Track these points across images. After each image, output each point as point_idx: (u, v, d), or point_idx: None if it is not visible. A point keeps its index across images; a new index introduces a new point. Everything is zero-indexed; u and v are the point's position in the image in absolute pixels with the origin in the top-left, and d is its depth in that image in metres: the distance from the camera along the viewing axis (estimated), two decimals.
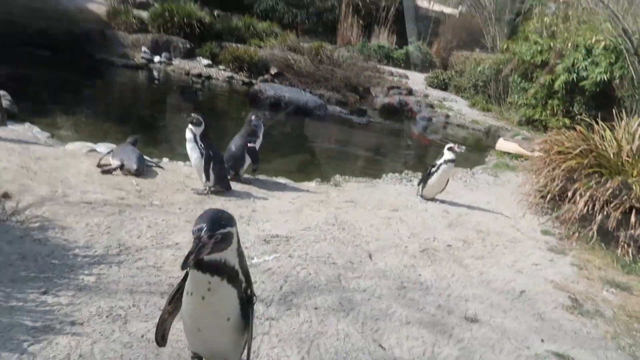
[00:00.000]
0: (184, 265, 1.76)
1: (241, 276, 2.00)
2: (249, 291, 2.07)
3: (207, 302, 1.94)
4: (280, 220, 4.53)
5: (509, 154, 9.72)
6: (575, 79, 12.45)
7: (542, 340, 3.34)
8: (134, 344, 2.49)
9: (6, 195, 3.80)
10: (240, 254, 1.99)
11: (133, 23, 13.89)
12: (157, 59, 13.24)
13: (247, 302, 2.06)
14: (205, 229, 1.76)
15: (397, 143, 11.35)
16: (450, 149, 6.05)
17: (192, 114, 4.97)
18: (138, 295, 2.86)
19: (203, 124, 5.01)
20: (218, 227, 1.79)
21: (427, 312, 3.43)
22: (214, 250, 1.82)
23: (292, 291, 3.32)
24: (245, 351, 2.16)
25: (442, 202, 6.15)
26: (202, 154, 4.90)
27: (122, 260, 3.22)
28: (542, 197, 6.26)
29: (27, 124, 6.18)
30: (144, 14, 14.63)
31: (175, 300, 2.17)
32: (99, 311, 2.65)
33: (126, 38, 13.52)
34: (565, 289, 4.19)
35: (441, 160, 6.01)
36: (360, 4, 19.91)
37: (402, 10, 20.98)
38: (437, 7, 24.86)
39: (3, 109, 6.03)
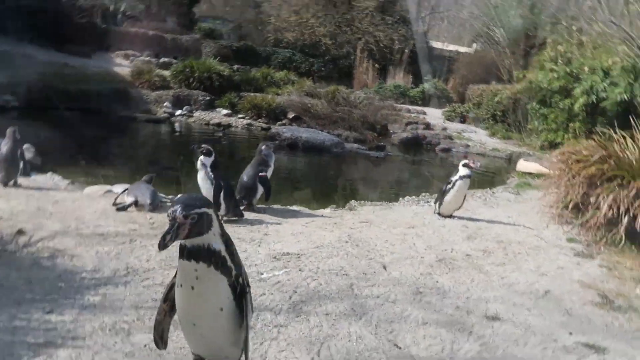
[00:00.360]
0: (160, 246, 1.75)
1: (230, 263, 1.93)
2: (240, 279, 1.99)
3: (197, 292, 1.89)
4: (292, 241, 4.48)
5: (530, 174, 9.51)
6: (594, 100, 12.33)
7: (570, 333, 3.13)
8: (136, 353, 2.44)
9: (20, 232, 3.89)
10: (227, 241, 1.95)
11: (156, 81, 14.58)
12: (178, 112, 13.73)
13: (240, 291, 1.98)
14: (179, 209, 1.75)
15: (415, 172, 11.27)
16: (465, 164, 5.97)
17: (202, 145, 5.09)
18: (143, 310, 2.83)
19: (213, 155, 5.11)
20: (192, 207, 1.78)
21: (445, 313, 3.28)
22: (192, 232, 1.79)
23: (302, 300, 3.23)
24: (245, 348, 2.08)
25: (460, 218, 5.99)
26: (212, 184, 4.97)
27: (129, 280, 3.22)
28: (565, 206, 6.05)
29: (49, 174, 6.39)
30: (166, 73, 15.35)
31: (169, 298, 2.12)
32: (102, 326, 2.63)
33: (149, 95, 14.14)
34: (594, 288, 3.96)
35: (456, 177, 5.92)
36: (374, 48, 20.47)
37: (416, 51, 21.46)
38: (451, 47, 25.33)
39: (26, 160, 6.27)
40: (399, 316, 3.18)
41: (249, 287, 2.09)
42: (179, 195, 1.97)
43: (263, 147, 5.71)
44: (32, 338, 2.43)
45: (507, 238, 5.34)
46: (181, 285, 1.92)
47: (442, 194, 5.97)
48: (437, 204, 6.07)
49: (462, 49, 23.72)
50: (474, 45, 23.30)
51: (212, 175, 4.98)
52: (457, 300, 3.55)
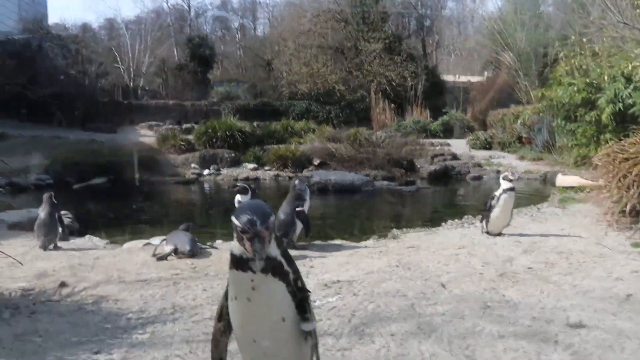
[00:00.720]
0: (258, 266, 1.59)
1: (286, 267, 1.74)
2: (299, 282, 1.79)
3: (255, 303, 1.69)
4: (339, 270, 4.26)
5: (571, 188, 9.12)
6: (621, 108, 12.00)
7: None
8: None
9: (63, 284, 3.80)
10: (280, 243, 1.77)
11: (181, 145, 14.91)
12: (205, 172, 13.90)
13: (301, 297, 1.78)
14: (259, 222, 1.57)
15: (451, 201, 10.97)
16: (505, 177, 5.73)
17: (238, 183, 5.00)
18: (195, 343, 2.63)
19: (249, 192, 5.01)
20: (268, 216, 1.61)
21: (521, 325, 2.97)
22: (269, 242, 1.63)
23: (363, 322, 2.98)
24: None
25: (511, 235, 5.67)
26: None
27: (177, 317, 3.04)
28: (622, 211, 5.68)
29: (87, 236, 6.39)
30: (190, 137, 15.70)
31: (224, 316, 1.91)
32: None
33: (176, 159, 14.44)
34: None
35: (500, 191, 5.66)
36: (387, 88, 20.66)
37: (430, 87, 21.59)
38: (463, 78, 25.48)
39: (65, 225, 6.29)
40: (471, 331, 2.89)
41: (309, 292, 1.86)
42: (240, 204, 1.83)
43: (297, 182, 5.58)
44: None
45: (567, 249, 5.00)
46: (235, 298, 1.73)
47: (488, 210, 5.69)
48: (484, 222, 5.78)
49: (474, 79, 23.79)
50: (485, 73, 23.37)
51: None
52: (531, 311, 3.24)
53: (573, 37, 15.81)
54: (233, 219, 1.60)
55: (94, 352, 2.54)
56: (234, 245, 1.67)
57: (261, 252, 1.57)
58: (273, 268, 1.68)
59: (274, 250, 1.69)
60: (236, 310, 1.76)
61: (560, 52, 16.93)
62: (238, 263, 1.66)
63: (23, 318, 2.96)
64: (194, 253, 5.00)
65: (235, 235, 1.64)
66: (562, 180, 9.46)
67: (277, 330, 1.76)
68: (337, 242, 5.72)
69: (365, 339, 2.76)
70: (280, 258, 1.72)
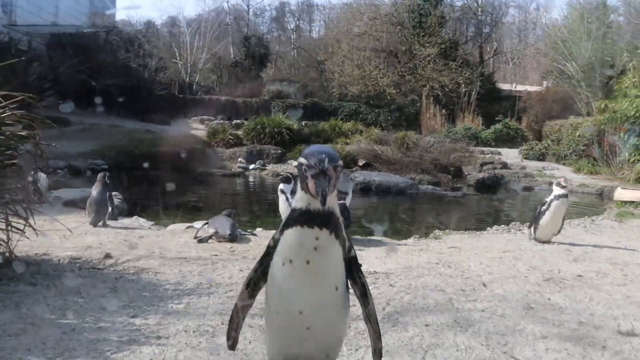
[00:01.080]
0: (323, 201, 1.43)
1: (344, 232, 1.61)
2: (352, 251, 1.68)
3: (313, 266, 1.54)
4: (377, 263, 4.19)
5: (631, 202, 8.61)
6: None
7: None
8: (222, 352, 2.25)
9: (108, 256, 3.93)
10: (335, 202, 1.63)
11: (230, 139, 15.21)
12: (252, 166, 14.11)
13: (354, 264, 1.67)
14: (327, 160, 1.45)
15: (498, 209, 10.61)
16: (558, 184, 5.47)
17: (281, 173, 5.03)
18: (227, 316, 2.60)
19: (292, 182, 5.02)
20: (337, 158, 1.49)
21: (567, 328, 2.81)
22: (336, 186, 1.53)
23: (397, 311, 2.91)
24: (371, 342, 1.76)
25: (561, 243, 5.40)
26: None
27: (212, 292, 3.08)
28: None
29: (134, 217, 6.62)
30: (239, 132, 16.00)
31: (252, 283, 1.77)
32: (186, 328, 2.48)
33: (224, 152, 14.73)
34: None
35: (551, 197, 5.41)
36: (439, 93, 20.28)
37: (484, 93, 21.03)
38: (520, 87, 24.66)
39: (114, 205, 6.54)
40: (511, 329, 2.76)
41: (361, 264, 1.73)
42: (310, 147, 1.58)
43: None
44: (116, 337, 2.31)
45: (622, 260, 4.72)
46: (290, 262, 1.56)
47: (537, 216, 5.44)
48: (532, 228, 5.54)
49: (532, 88, 22.95)
50: (545, 82, 22.50)
51: (292, 201, 4.85)
52: (577, 316, 3.06)
53: None
54: (300, 158, 1.51)
55: (131, 316, 2.60)
56: (298, 198, 1.56)
57: (327, 190, 1.43)
58: (335, 227, 1.55)
59: (335, 206, 1.59)
60: (286, 277, 1.59)
61: (629, 63, 16.09)
62: (303, 217, 1.53)
63: (67, 280, 3.08)
64: (233, 237, 5.06)
65: (299, 181, 1.53)
66: (621, 194, 8.96)
67: (330, 301, 1.62)
68: (377, 238, 5.64)
69: (398, 326, 2.68)
70: (339, 217, 1.60)
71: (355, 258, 1.68)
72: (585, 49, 18.11)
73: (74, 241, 4.55)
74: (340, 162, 1.49)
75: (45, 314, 2.54)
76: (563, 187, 5.43)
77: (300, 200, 1.55)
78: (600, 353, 2.49)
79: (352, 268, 1.67)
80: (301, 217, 1.53)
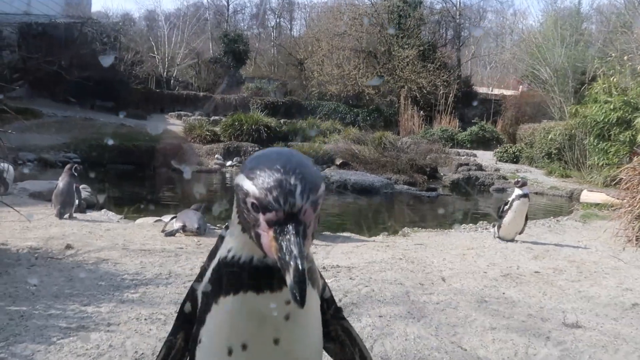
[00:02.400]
0: (301, 297, 0.79)
1: (315, 264, 1.14)
2: (327, 289, 1.20)
3: (287, 343, 0.98)
4: (342, 257, 4.23)
5: (596, 204, 8.85)
6: None
7: None
8: None
9: (69, 247, 3.89)
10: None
11: (207, 135, 15.09)
12: (229, 163, 14.04)
13: (332, 307, 1.18)
14: (300, 189, 0.82)
15: (470, 209, 10.78)
16: (517, 183, 5.62)
17: None
18: None
19: None
20: (316, 182, 0.85)
21: (516, 320, 2.89)
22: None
23: (353, 302, 2.96)
24: None
25: (524, 242, 5.54)
26: None
27: (171, 282, 3.08)
28: None
29: (103, 210, 6.55)
30: (217, 129, 15.90)
31: None
32: (137, 316, 2.48)
33: (200, 148, 14.61)
34: None
35: (513, 196, 5.54)
36: (417, 95, 20.49)
37: (461, 96, 21.33)
38: (496, 91, 25.08)
39: (82, 197, 6.45)
40: (462, 321, 2.83)
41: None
42: (261, 152, 0.91)
43: None
44: (65, 323, 2.30)
45: (579, 258, 4.86)
46: (244, 348, 0.97)
47: (500, 215, 5.57)
48: (497, 227, 5.67)
49: (508, 92, 23.37)
50: (520, 87, 22.93)
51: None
52: (528, 309, 3.15)
53: (614, 55, 15.39)
54: (243, 180, 0.86)
55: (84, 304, 2.59)
56: (236, 239, 0.95)
57: (302, 259, 0.80)
58: (310, 272, 0.96)
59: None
60: None
61: (599, 70, 16.50)
62: (255, 277, 0.93)
63: (22, 269, 3.04)
64: (201, 231, 5.05)
65: (238, 213, 0.92)
66: (587, 196, 9.20)
67: None
68: (346, 234, 5.69)
69: (352, 317, 2.73)
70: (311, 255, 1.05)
71: (332, 299, 1.19)
72: (559, 54, 18.52)
73: (37, 232, 4.48)
74: (322, 190, 0.86)
75: None
76: (522, 187, 5.56)
77: (240, 244, 0.94)
78: (543, 343, 2.58)
79: (330, 314, 1.16)
80: (252, 278, 0.93)
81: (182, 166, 13.12)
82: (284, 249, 0.81)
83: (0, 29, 14.54)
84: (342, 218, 7.98)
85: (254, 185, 0.83)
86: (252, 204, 0.84)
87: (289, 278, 0.79)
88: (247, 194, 0.85)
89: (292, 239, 0.81)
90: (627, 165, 6.46)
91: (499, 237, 5.61)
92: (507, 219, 5.51)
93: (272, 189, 0.82)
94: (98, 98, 17.64)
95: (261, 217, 0.83)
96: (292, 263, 0.79)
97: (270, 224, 0.83)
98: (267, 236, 0.83)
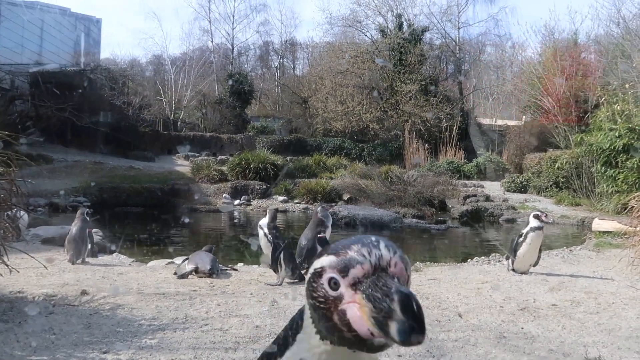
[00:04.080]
0: (419, 322, 0.69)
1: None
2: None
3: None
4: None
5: (609, 232, 8.77)
6: None
7: None
8: None
9: (84, 292, 3.91)
10: None
11: (214, 175, 15.24)
12: (236, 202, 14.11)
13: None
14: (386, 244, 0.76)
15: (481, 241, 10.71)
16: (536, 216, 5.59)
17: (269, 208, 5.09)
18: (200, 350, 2.65)
19: (268, 216, 5.07)
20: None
21: (537, 356, 2.85)
22: None
23: None
24: None
25: (539, 274, 5.48)
26: (271, 244, 4.87)
27: (188, 327, 3.07)
28: None
29: (115, 254, 6.58)
30: (224, 168, 16.07)
31: None
32: None
33: (208, 188, 14.73)
34: None
35: (527, 228, 5.52)
36: (422, 128, 20.68)
37: (465, 128, 21.51)
38: (500, 122, 25.26)
39: (94, 242, 6.50)
40: (482, 358, 2.80)
41: None
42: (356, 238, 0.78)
43: (319, 209, 5.63)
44: None
45: (596, 289, 4.80)
46: None
47: (514, 247, 5.54)
48: (510, 260, 5.63)
49: (511, 122, 23.53)
50: (523, 117, 23.11)
51: (271, 237, 4.89)
52: (548, 344, 3.11)
53: (615, 83, 15.56)
54: (314, 266, 0.78)
55: (103, 352, 2.59)
56: (309, 355, 0.80)
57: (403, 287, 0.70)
58: None
59: None
60: None
61: (601, 98, 16.67)
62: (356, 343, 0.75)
63: (41, 317, 3.06)
64: (214, 272, 5.06)
65: (316, 320, 0.78)
66: (598, 224, 9.13)
67: None
68: None
69: None
70: None
71: None
72: (560, 85, 18.74)
73: (51, 279, 4.50)
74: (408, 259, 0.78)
75: (16, 351, 2.52)
76: (541, 220, 5.54)
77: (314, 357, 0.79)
78: None
79: None
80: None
81: (191, 207, 13.20)
82: (379, 297, 0.67)
83: (13, 79, 14.98)
84: None
85: (329, 255, 0.74)
86: (330, 278, 0.72)
87: (396, 314, 0.66)
88: (321, 271, 0.74)
89: (388, 282, 0.69)
90: (638, 193, 6.45)
91: (513, 270, 5.56)
92: (521, 251, 5.46)
93: (351, 245, 0.73)
94: (107, 142, 17.95)
95: (343, 285, 0.71)
96: (395, 296, 0.67)
97: (355, 286, 0.70)
98: (354, 306, 0.69)
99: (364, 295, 0.70)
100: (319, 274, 0.74)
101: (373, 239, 0.75)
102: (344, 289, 0.72)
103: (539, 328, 3.45)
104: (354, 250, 0.72)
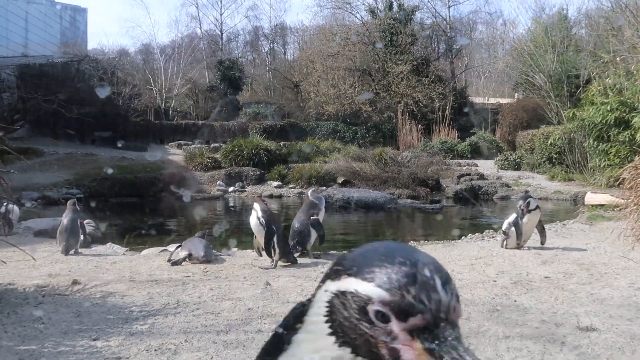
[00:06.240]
0: None
1: None
2: None
3: None
4: None
5: (601, 206, 8.81)
6: None
7: None
8: None
9: (75, 282, 3.88)
10: None
11: (208, 162, 15.17)
12: (231, 189, 14.05)
13: None
14: (442, 282, 0.68)
15: (475, 218, 10.75)
16: (526, 197, 5.59)
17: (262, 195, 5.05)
18: (192, 334, 2.64)
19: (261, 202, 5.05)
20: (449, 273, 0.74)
21: (529, 327, 2.86)
22: None
23: None
24: None
25: (532, 248, 5.50)
26: (264, 228, 4.84)
27: (179, 312, 3.06)
28: None
29: (108, 244, 6.54)
30: (217, 155, 15.99)
31: None
32: (147, 347, 2.46)
33: (202, 176, 14.67)
34: None
35: (523, 207, 5.51)
36: (414, 109, 20.60)
37: (458, 108, 21.45)
38: (492, 100, 25.22)
39: (86, 232, 6.46)
40: (475, 331, 2.80)
41: None
42: (371, 249, 0.71)
43: (310, 192, 5.60)
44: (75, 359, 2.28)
45: (589, 261, 4.82)
46: None
47: (509, 226, 5.53)
48: (504, 238, 5.63)
49: (504, 100, 23.49)
50: (515, 94, 23.07)
51: (264, 220, 4.86)
52: (541, 315, 3.12)
53: (606, 57, 15.49)
54: (351, 284, 0.69)
55: (93, 339, 2.58)
56: None
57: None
58: None
59: None
60: None
61: (593, 72, 16.63)
62: None
63: (29, 307, 3.04)
64: (208, 259, 5.04)
65: (339, 332, 0.71)
66: (591, 198, 9.17)
67: None
68: None
69: None
70: None
71: None
72: (551, 60, 18.67)
73: (43, 270, 4.47)
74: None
75: (4, 341, 2.50)
76: (533, 198, 5.55)
77: None
78: (559, 348, 2.55)
79: None
80: None
81: (185, 195, 13.15)
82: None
83: None
84: (347, 236, 7.96)
85: (377, 287, 0.66)
86: (378, 312, 0.66)
87: None
88: (368, 301, 0.66)
89: (460, 348, 0.64)
90: (630, 165, 6.46)
91: (506, 247, 5.57)
92: (517, 229, 5.45)
93: (407, 285, 0.65)
94: (98, 133, 17.81)
95: (397, 327, 0.66)
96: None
97: (414, 332, 0.65)
98: (411, 351, 0.65)
99: (426, 349, 0.65)
100: (365, 299, 0.67)
101: (428, 273, 0.66)
102: (396, 328, 0.66)
103: (531, 300, 3.46)
104: (412, 294, 0.64)
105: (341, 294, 0.69)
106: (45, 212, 9.84)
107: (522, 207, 5.44)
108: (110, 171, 12.95)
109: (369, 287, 0.66)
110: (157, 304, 3.22)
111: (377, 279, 0.66)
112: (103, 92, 15.68)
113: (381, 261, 0.68)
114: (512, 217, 5.51)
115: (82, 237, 5.80)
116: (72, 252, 5.53)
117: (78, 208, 5.87)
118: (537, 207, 5.57)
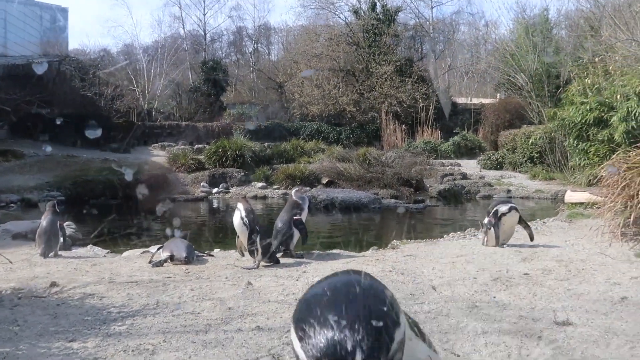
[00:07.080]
0: None
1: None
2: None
3: None
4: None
5: (581, 203, 8.95)
6: (634, 126, 11.85)
7: None
8: None
9: (54, 284, 3.82)
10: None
11: (191, 164, 15.06)
12: (215, 190, 13.98)
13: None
14: (363, 355, 0.63)
15: (458, 218, 10.84)
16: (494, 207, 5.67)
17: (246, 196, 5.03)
18: (171, 334, 2.62)
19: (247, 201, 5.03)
20: (389, 335, 0.66)
21: (507, 322, 2.90)
22: None
23: None
24: None
25: (512, 245, 5.57)
26: (247, 228, 4.83)
27: (159, 312, 3.03)
28: (626, 221, 5.55)
29: (89, 246, 6.46)
30: (201, 156, 15.88)
31: None
32: (125, 348, 2.44)
33: (186, 177, 14.56)
34: None
35: (504, 209, 5.58)
36: (398, 109, 20.71)
37: (441, 108, 21.61)
38: (475, 100, 25.47)
39: (66, 235, 6.37)
40: (454, 327, 2.83)
41: None
42: (318, 288, 0.71)
43: (294, 192, 5.60)
44: None
45: (567, 257, 4.90)
46: None
47: (489, 225, 5.59)
48: (485, 236, 5.69)
49: (486, 101, 23.74)
50: (498, 94, 23.33)
51: (247, 220, 4.84)
52: (519, 311, 3.16)
53: (585, 58, 15.74)
54: (293, 337, 0.68)
55: (69, 341, 2.54)
56: None
57: None
58: None
59: None
60: None
61: (572, 73, 16.88)
62: None
63: (4, 310, 2.98)
64: (189, 260, 5.00)
65: None
66: (570, 196, 9.31)
67: None
68: (336, 251, 5.68)
69: None
70: None
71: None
72: (532, 61, 18.92)
73: (21, 273, 4.40)
74: (399, 339, 0.68)
75: None
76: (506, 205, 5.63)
77: None
78: (536, 343, 2.58)
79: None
80: None
81: (168, 197, 13.04)
82: None
83: None
84: (331, 236, 7.97)
85: (302, 350, 0.65)
86: None
87: None
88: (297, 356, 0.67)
89: None
90: (607, 162, 6.58)
91: (486, 246, 5.63)
92: (497, 228, 5.51)
93: (325, 357, 0.63)
94: (80, 134, 17.56)
95: None
96: None
97: None
98: None
99: None
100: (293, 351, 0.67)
101: (349, 346, 0.62)
102: None
103: (510, 296, 3.51)
104: (333, 344, 0.63)
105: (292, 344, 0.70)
106: (25, 215, 9.68)
107: (490, 219, 5.51)
108: (93, 175, 12.78)
109: (298, 348, 0.66)
110: (137, 304, 3.19)
111: (304, 340, 0.65)
112: (85, 94, 15.48)
113: (315, 318, 0.65)
114: (488, 220, 5.58)
115: (61, 239, 5.72)
116: (51, 254, 5.44)
117: (58, 210, 5.78)
118: (512, 209, 5.62)
